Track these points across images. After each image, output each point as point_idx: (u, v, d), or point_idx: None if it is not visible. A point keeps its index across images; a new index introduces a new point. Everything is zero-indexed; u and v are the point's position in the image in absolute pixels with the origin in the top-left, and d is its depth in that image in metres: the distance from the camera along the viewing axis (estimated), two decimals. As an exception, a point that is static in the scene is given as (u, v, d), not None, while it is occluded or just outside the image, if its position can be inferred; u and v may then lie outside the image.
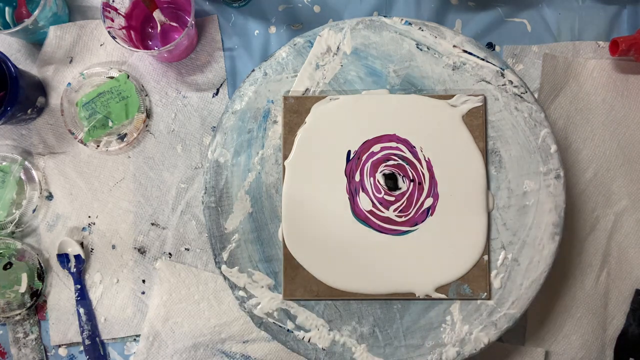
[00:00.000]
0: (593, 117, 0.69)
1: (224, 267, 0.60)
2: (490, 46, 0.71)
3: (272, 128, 0.60)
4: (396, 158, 0.59)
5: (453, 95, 0.59)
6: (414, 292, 0.58)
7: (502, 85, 0.59)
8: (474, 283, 0.58)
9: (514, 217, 0.59)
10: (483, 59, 0.60)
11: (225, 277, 0.60)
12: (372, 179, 0.59)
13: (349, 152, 0.59)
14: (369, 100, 0.60)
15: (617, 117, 0.69)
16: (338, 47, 0.61)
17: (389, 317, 0.59)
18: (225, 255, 0.60)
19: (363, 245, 0.59)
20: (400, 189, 0.59)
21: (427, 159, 0.59)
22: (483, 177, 0.59)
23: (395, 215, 0.59)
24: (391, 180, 0.59)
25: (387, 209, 0.59)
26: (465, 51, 0.60)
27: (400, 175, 0.59)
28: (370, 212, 0.59)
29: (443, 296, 0.58)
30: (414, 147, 0.59)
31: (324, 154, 0.59)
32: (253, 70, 0.61)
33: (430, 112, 0.59)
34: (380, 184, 0.59)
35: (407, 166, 0.59)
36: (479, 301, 0.58)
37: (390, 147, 0.59)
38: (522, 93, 0.59)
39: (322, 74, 0.61)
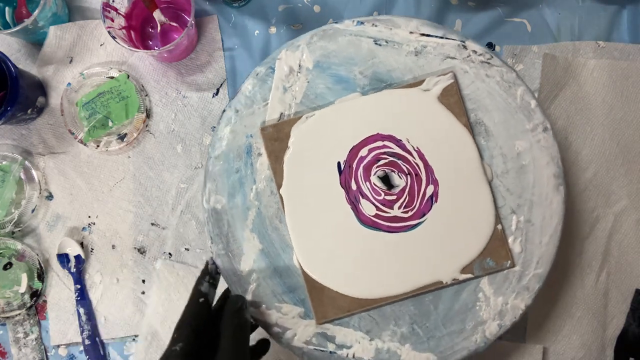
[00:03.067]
0: (593, 117, 0.69)
1: (251, 309, 0.58)
2: (490, 46, 0.71)
3: (258, 161, 0.60)
4: (386, 156, 0.59)
5: (423, 80, 0.59)
6: (441, 280, 0.57)
7: (467, 57, 0.59)
8: (495, 254, 0.57)
9: (515, 180, 0.58)
10: (442, 37, 0.59)
11: (255, 319, 0.59)
12: (368, 183, 0.59)
13: (338, 163, 0.59)
14: (344, 107, 0.59)
15: (617, 117, 0.68)
16: (300, 65, 0.60)
17: (423, 311, 0.58)
18: (249, 297, 0.59)
19: (378, 250, 0.58)
20: (398, 185, 0.58)
21: (416, 149, 0.59)
22: (474, 150, 0.58)
23: (402, 212, 0.58)
24: (386, 181, 0.59)
25: (392, 208, 0.58)
26: (423, 34, 0.59)
27: (394, 172, 0.59)
28: (376, 215, 0.58)
29: (469, 275, 0.57)
30: (400, 140, 0.59)
31: (315, 172, 0.59)
32: (224, 111, 0.60)
33: (405, 102, 0.59)
34: (377, 186, 0.59)
35: (399, 161, 0.58)
36: (505, 270, 0.58)
37: (378, 146, 0.59)
38: (488, 59, 0.59)
39: (291, 95, 0.60)
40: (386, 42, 0.60)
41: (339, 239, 0.58)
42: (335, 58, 0.60)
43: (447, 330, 0.58)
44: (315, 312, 0.58)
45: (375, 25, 0.60)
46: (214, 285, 0.52)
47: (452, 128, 0.58)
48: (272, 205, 0.60)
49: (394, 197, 0.58)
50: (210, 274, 0.53)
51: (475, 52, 0.59)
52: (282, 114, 0.60)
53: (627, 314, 0.67)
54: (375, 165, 0.59)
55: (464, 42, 0.59)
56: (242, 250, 0.59)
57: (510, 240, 0.58)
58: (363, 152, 0.59)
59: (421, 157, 0.58)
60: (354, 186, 0.59)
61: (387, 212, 0.58)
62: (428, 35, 0.59)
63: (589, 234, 0.68)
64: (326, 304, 0.58)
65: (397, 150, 0.59)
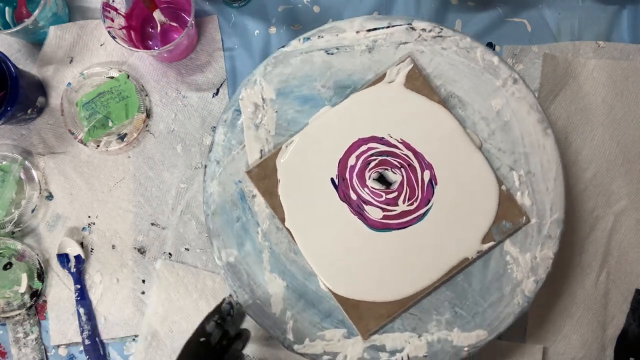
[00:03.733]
0: (593, 117, 0.69)
1: (296, 347, 0.59)
2: (490, 46, 0.71)
3: (255, 203, 0.60)
4: (374, 157, 0.59)
5: (385, 74, 0.59)
6: (466, 257, 0.58)
7: (419, 37, 0.59)
8: (509, 215, 0.57)
9: (504, 138, 0.58)
10: (388, 26, 0.59)
11: (304, 355, 0.59)
12: (366, 189, 0.59)
13: (332, 180, 0.59)
14: (318, 125, 0.59)
15: (617, 117, 0.68)
16: (263, 99, 0.60)
17: (459, 292, 0.58)
18: (290, 336, 0.59)
19: (396, 249, 0.58)
20: (395, 181, 0.58)
21: (400, 141, 0.59)
22: (455, 123, 0.58)
23: (407, 206, 0.58)
24: (383, 181, 0.59)
25: (397, 204, 0.58)
26: (369, 30, 0.59)
27: (388, 169, 0.58)
28: (384, 217, 0.58)
29: (491, 243, 0.57)
30: (382, 137, 0.59)
31: (313, 196, 0.59)
32: (205, 166, 0.61)
33: (375, 100, 0.59)
34: (376, 189, 0.58)
35: (388, 158, 0.58)
36: (523, 227, 0.58)
37: (363, 151, 0.59)
38: (439, 33, 0.59)
39: (264, 130, 0.60)
40: (337, 49, 0.60)
41: (356, 250, 0.58)
42: (294, 80, 0.60)
43: (488, 302, 0.58)
44: (358, 328, 0.58)
45: (322, 37, 0.60)
46: (221, 326, 0.52)
47: (427, 109, 0.58)
48: (282, 241, 0.60)
49: (395, 194, 0.58)
50: (221, 314, 0.52)
51: (424, 30, 0.59)
52: (261, 150, 0.60)
53: (627, 314, 0.67)
54: (368, 170, 0.59)
55: (410, 24, 0.59)
56: (269, 293, 0.59)
57: (518, 196, 0.58)
58: (351, 161, 0.59)
59: (408, 147, 0.58)
60: (354, 196, 0.59)
61: (393, 210, 0.58)
62: (374, 29, 0.59)
63: (589, 234, 0.68)
64: (366, 317, 0.58)
65: (383, 148, 0.59)
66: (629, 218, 0.68)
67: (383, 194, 0.58)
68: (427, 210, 0.58)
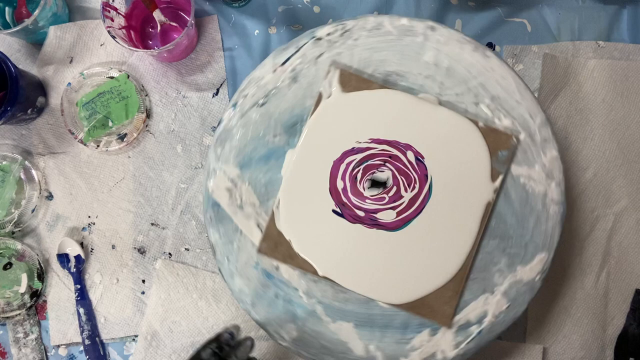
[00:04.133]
0: (593, 117, 0.69)
1: None
2: (491, 46, 0.71)
3: (281, 272, 0.59)
4: (357, 169, 0.58)
5: (320, 93, 0.59)
6: (487, 201, 0.57)
7: (328, 43, 0.59)
8: (500, 144, 0.58)
9: (454, 83, 0.59)
10: (297, 50, 0.60)
11: None
12: (368, 200, 0.58)
13: (334, 211, 0.59)
14: (292, 171, 0.59)
15: (616, 117, 0.68)
16: (231, 180, 0.60)
17: (501, 234, 0.58)
18: None
19: (425, 234, 0.58)
20: (387, 177, 0.58)
21: (369, 140, 0.59)
22: (405, 96, 0.58)
23: (411, 191, 0.58)
24: (377, 184, 0.59)
25: (402, 196, 0.58)
26: (282, 63, 0.60)
27: (375, 171, 0.58)
28: (399, 213, 0.58)
29: (500, 176, 0.57)
30: (352, 147, 0.58)
31: (327, 234, 0.58)
32: (220, 271, 0.60)
33: (326, 120, 0.59)
34: (376, 195, 0.58)
35: (369, 162, 0.58)
36: (518, 145, 0.58)
37: (344, 170, 0.59)
38: (343, 29, 0.59)
39: (249, 205, 0.59)
40: (265, 97, 0.60)
41: (390, 256, 0.58)
42: (247, 147, 0.60)
43: (530, 228, 0.58)
44: (437, 320, 0.57)
45: (246, 95, 0.60)
46: (217, 355, 0.51)
47: (375, 99, 0.59)
48: (325, 289, 0.59)
49: (395, 188, 0.58)
50: (219, 342, 0.52)
51: (329, 34, 0.59)
52: (258, 225, 0.59)
53: (627, 314, 0.67)
54: (358, 183, 0.58)
55: (314, 36, 0.60)
56: (344, 341, 0.58)
57: (497, 123, 0.58)
58: (339, 184, 0.59)
59: (379, 141, 0.58)
60: (361, 214, 0.58)
61: (402, 203, 0.58)
62: (287, 60, 0.60)
63: (589, 234, 0.68)
64: (437, 307, 0.57)
65: (359, 156, 0.59)
66: (629, 218, 0.68)
67: (385, 195, 0.58)
68: (431, 185, 0.58)
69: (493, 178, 0.58)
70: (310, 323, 0.59)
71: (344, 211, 0.58)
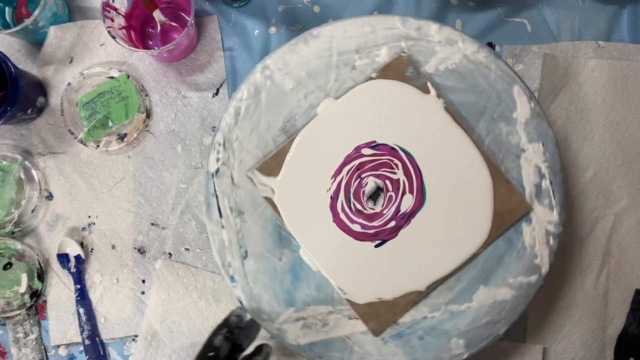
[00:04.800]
0: (593, 117, 0.69)
1: None
2: (491, 46, 0.71)
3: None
4: (347, 190, 0.58)
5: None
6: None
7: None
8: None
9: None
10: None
11: None
12: (372, 211, 0.58)
13: (377, 245, 0.58)
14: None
15: (616, 117, 0.68)
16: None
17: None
18: None
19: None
20: (380, 189, 0.58)
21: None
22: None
23: (411, 197, 0.58)
24: (371, 198, 0.59)
25: (400, 199, 0.58)
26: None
27: (364, 185, 0.58)
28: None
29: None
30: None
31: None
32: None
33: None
34: (372, 207, 0.58)
35: (359, 180, 0.58)
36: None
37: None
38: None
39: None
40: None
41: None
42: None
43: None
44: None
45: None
46: (229, 339, 0.51)
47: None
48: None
49: (391, 192, 0.58)
50: (229, 326, 0.52)
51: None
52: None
53: (627, 314, 0.67)
54: (357, 202, 0.58)
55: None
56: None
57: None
58: (351, 226, 0.58)
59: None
60: (378, 222, 0.58)
61: (404, 202, 0.58)
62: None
63: (589, 234, 0.68)
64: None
65: (346, 174, 0.58)
66: (629, 218, 0.68)
67: (391, 205, 0.58)
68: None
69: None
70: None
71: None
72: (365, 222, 0.58)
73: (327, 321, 0.58)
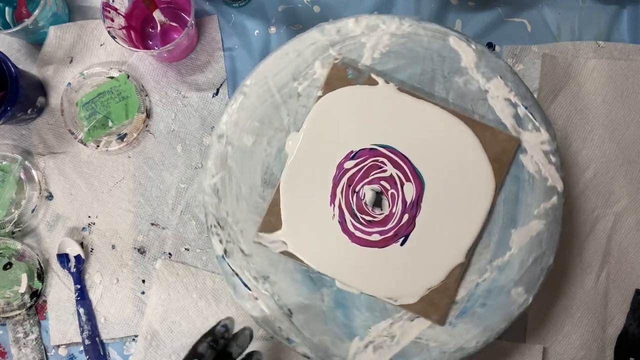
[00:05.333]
0: (593, 117, 0.69)
1: None
2: (491, 46, 0.71)
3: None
4: (352, 212, 0.58)
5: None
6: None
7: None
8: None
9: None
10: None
11: None
12: (381, 215, 0.58)
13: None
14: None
15: (616, 117, 0.68)
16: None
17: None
18: None
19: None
20: (379, 193, 0.58)
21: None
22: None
23: (411, 185, 0.58)
24: (376, 205, 0.58)
25: (402, 191, 0.58)
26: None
27: (361, 193, 0.58)
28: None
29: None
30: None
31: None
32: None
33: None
34: (376, 212, 0.58)
35: (356, 195, 0.58)
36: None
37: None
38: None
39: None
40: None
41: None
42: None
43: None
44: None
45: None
46: (214, 348, 0.52)
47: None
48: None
49: (391, 190, 0.58)
50: (214, 336, 0.52)
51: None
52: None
53: (627, 314, 0.67)
54: (364, 215, 0.58)
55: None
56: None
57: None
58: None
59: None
60: (391, 223, 0.58)
61: (409, 193, 0.58)
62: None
63: (589, 234, 0.68)
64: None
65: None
66: (629, 218, 0.68)
67: (396, 197, 0.58)
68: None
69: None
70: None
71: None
72: (381, 228, 0.58)
73: (393, 333, 0.58)
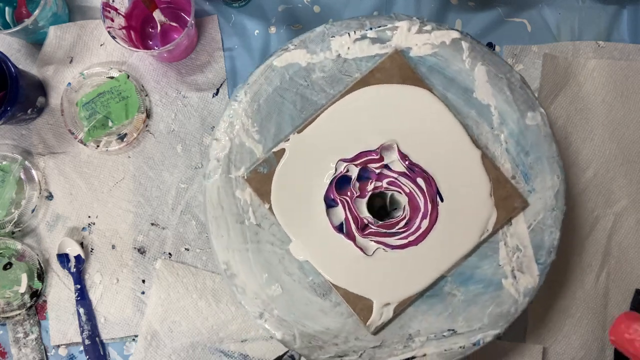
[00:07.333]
0: (593, 117, 0.69)
1: None
2: (491, 46, 0.71)
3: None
4: (355, 215, 0.56)
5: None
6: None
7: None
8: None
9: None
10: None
11: None
12: (401, 215, 0.57)
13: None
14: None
15: (616, 117, 0.68)
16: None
17: None
18: None
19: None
20: (388, 195, 0.57)
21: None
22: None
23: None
24: (383, 210, 0.58)
25: (417, 185, 0.56)
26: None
27: (373, 198, 0.57)
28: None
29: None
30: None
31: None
32: None
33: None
34: (390, 220, 0.57)
35: (363, 182, 0.57)
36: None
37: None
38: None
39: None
40: None
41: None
42: None
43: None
44: None
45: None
46: None
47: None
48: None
49: (399, 189, 0.57)
50: None
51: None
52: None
53: (627, 314, 0.67)
54: (367, 232, 0.56)
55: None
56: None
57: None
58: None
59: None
60: (418, 218, 0.57)
61: (427, 197, 0.56)
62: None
63: (589, 234, 0.68)
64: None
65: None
66: (629, 218, 0.68)
67: (417, 192, 0.56)
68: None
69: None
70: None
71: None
72: (404, 230, 0.56)
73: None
